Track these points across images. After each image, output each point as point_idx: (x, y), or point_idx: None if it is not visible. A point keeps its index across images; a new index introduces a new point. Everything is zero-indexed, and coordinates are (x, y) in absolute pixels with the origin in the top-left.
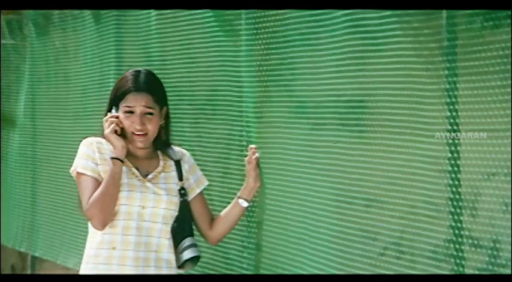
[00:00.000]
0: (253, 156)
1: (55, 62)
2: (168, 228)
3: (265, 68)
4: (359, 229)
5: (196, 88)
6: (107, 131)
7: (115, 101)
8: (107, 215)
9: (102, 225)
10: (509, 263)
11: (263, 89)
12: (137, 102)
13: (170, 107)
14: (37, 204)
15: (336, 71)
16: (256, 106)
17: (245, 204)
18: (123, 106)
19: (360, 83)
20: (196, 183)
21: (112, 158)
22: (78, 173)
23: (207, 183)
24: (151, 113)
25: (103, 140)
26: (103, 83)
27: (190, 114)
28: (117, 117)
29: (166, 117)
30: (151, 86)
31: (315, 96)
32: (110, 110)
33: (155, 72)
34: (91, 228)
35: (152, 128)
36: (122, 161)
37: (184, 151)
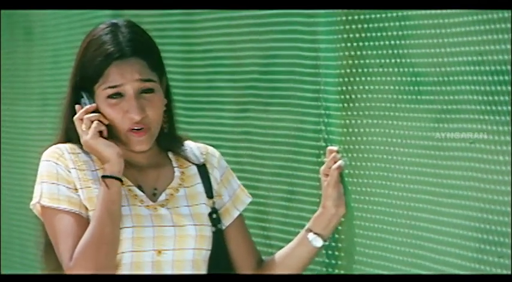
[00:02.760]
0: (335, 166)
1: (9, 17)
2: None
3: (355, 17)
4: None
5: (243, 55)
6: (87, 137)
7: (84, 84)
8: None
9: None
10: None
11: (352, 52)
12: (126, 76)
13: (199, 85)
14: None
15: (475, 21)
16: (341, 82)
17: (318, 242)
18: (102, 89)
19: None
20: (233, 201)
21: (105, 177)
22: (45, 208)
23: (249, 200)
24: (150, 90)
25: (77, 147)
26: None
27: (233, 97)
28: (96, 111)
29: (167, 93)
30: (141, 45)
31: (440, 65)
32: (77, 102)
33: (176, 26)
34: None
35: (156, 113)
36: (120, 180)
37: (211, 148)
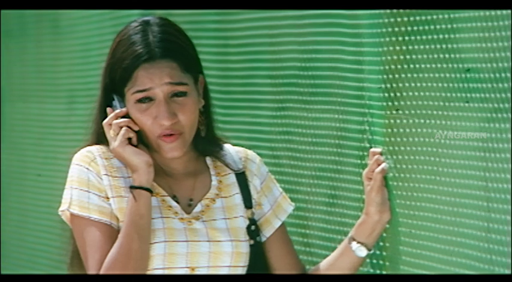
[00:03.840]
0: (378, 169)
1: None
2: None
3: (400, 9)
4: None
5: (282, 50)
6: (115, 144)
7: (115, 86)
8: None
9: None
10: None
11: (397, 46)
12: (155, 80)
13: (235, 81)
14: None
15: None
16: (385, 79)
17: (363, 252)
18: (131, 93)
19: None
20: (274, 210)
21: (132, 188)
22: (75, 216)
23: (291, 208)
24: (183, 93)
25: (109, 151)
26: None
27: (272, 94)
28: (127, 116)
29: (205, 94)
30: (172, 44)
31: (492, 60)
32: (108, 105)
33: (211, 19)
34: None
35: (189, 117)
36: (150, 191)
37: (251, 153)
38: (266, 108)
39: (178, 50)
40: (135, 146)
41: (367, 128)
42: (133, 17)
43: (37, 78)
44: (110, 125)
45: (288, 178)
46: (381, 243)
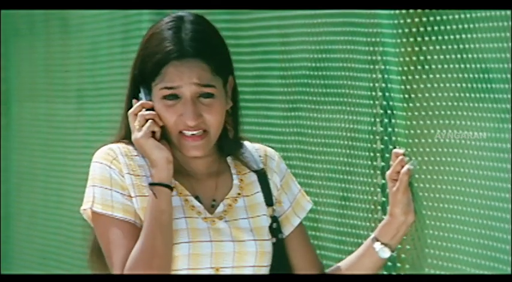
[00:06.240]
0: (403, 170)
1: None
2: None
3: (417, 9)
4: None
5: (294, 49)
6: (138, 135)
7: (143, 79)
8: None
9: None
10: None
11: (416, 47)
12: (184, 78)
13: (246, 81)
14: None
15: None
16: (404, 80)
17: (386, 253)
18: (159, 87)
19: None
20: (294, 207)
21: (151, 185)
22: (98, 215)
23: (310, 206)
24: (210, 95)
25: (132, 149)
26: (128, 41)
27: (283, 94)
28: (152, 109)
29: (234, 95)
30: (205, 44)
31: None
32: (134, 96)
33: (222, 18)
34: None
35: (215, 119)
36: (170, 187)
37: (269, 150)
38: (277, 108)
39: (210, 51)
40: (158, 141)
41: (380, 129)
42: (143, 16)
43: (46, 78)
44: (135, 115)
45: (299, 179)
46: (399, 246)
